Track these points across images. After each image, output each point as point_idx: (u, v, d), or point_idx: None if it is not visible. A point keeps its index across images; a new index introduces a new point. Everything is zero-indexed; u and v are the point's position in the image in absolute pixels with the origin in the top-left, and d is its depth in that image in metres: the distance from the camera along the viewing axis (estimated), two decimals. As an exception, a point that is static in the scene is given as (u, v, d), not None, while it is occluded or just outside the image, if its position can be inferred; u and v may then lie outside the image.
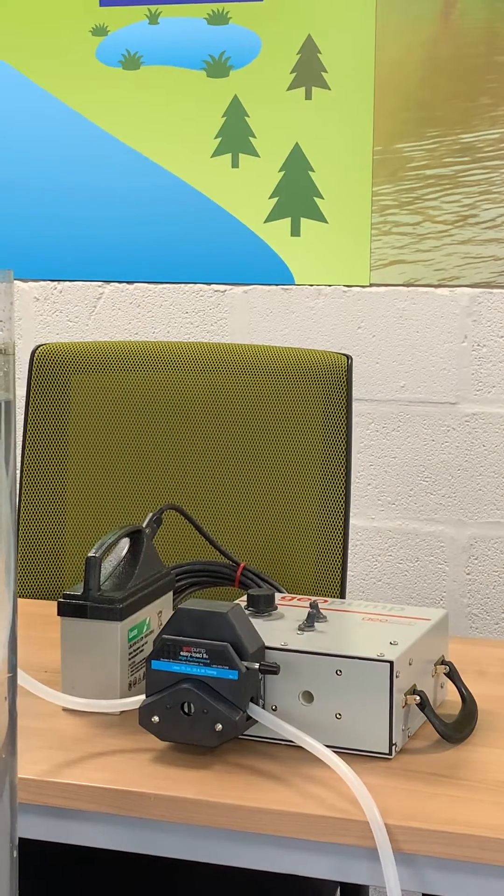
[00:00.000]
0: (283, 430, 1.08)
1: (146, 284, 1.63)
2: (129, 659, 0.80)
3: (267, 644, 0.73)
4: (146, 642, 0.82)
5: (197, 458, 1.13)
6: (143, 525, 0.89)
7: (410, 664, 0.72)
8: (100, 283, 1.64)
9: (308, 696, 0.72)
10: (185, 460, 1.13)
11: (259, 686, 0.71)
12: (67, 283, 1.65)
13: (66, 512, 1.15)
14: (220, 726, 0.68)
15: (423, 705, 0.71)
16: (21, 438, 1.17)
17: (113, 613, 0.77)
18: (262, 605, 0.79)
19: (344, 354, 1.15)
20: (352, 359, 1.14)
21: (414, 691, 0.72)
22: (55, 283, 1.65)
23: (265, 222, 1.58)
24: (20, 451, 1.15)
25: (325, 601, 0.85)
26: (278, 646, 0.73)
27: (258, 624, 0.76)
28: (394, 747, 0.70)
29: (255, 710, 0.69)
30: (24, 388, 1.17)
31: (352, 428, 1.10)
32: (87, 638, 0.78)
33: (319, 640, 0.75)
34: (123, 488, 1.15)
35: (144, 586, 0.82)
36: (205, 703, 0.68)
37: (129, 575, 0.82)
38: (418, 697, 0.71)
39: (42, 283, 1.66)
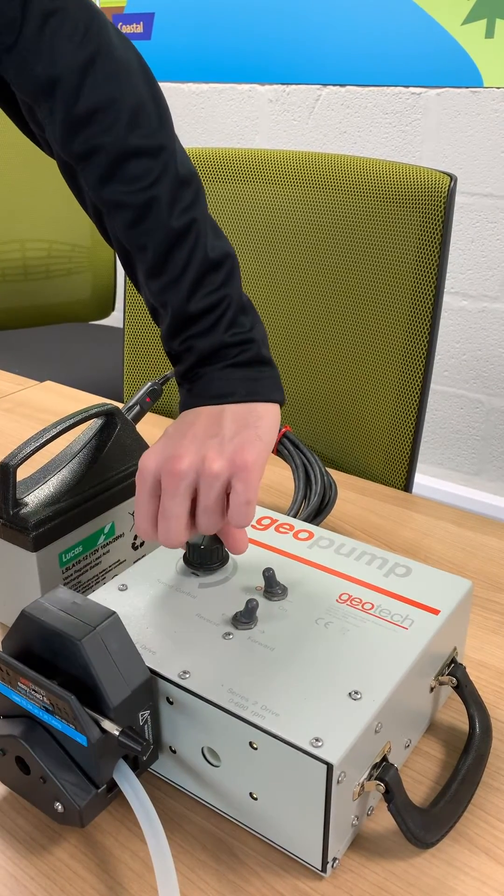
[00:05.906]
0: (374, 251, 1.03)
1: (356, 87, 1.83)
2: (66, 584, 0.64)
3: (158, 668, 0.49)
4: (108, 551, 0.67)
5: (286, 283, 1.10)
6: (141, 395, 0.72)
7: (378, 731, 0.48)
8: (318, 87, 1.88)
9: (213, 755, 0.50)
10: (274, 280, 1.10)
11: (139, 735, 0.46)
12: (293, 86, 1.91)
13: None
14: (59, 807, 0.47)
15: (391, 796, 0.47)
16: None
17: (25, 541, 0.61)
18: (201, 561, 0.58)
19: (447, 174, 0.99)
20: (455, 179, 0.98)
21: (376, 777, 0.48)
22: (284, 86, 1.92)
23: (462, 24, 1.68)
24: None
25: (303, 536, 0.63)
26: (174, 676, 0.49)
27: (179, 599, 0.55)
28: (329, 865, 0.47)
29: (123, 774, 0.47)
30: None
31: (448, 250, 0.96)
32: (3, 558, 0.63)
33: (240, 668, 0.49)
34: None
35: (104, 487, 0.65)
36: (39, 767, 0.46)
37: (78, 476, 0.65)
38: (383, 787, 0.47)
39: (275, 86, 1.94)
